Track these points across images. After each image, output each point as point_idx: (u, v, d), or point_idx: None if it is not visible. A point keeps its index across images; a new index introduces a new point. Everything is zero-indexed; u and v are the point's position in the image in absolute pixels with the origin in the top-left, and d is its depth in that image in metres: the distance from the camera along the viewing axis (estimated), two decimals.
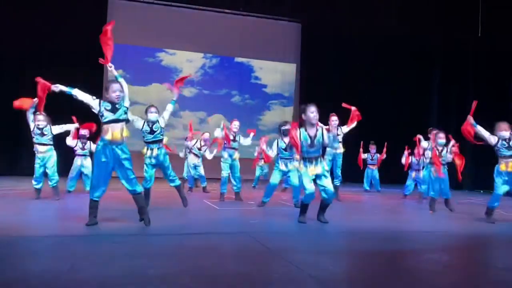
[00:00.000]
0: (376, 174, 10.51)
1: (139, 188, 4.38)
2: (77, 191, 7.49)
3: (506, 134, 5.54)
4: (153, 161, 5.68)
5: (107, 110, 4.24)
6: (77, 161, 7.60)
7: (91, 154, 7.88)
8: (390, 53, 14.13)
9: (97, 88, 12.98)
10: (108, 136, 4.20)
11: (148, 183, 5.75)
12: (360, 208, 7.02)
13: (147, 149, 5.70)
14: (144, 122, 5.68)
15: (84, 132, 7.55)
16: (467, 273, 3.14)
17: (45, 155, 6.47)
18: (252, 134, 7.29)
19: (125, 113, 4.35)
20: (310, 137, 4.84)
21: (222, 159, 7.23)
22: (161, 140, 5.76)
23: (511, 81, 11.20)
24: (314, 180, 4.90)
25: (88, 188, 7.49)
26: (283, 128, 6.43)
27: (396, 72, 14.14)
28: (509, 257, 3.85)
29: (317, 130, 4.89)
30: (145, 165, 5.72)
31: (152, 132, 5.66)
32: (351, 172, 11.36)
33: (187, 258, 3.18)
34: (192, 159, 8.90)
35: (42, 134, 6.45)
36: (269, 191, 6.49)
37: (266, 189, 6.54)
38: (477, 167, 12.01)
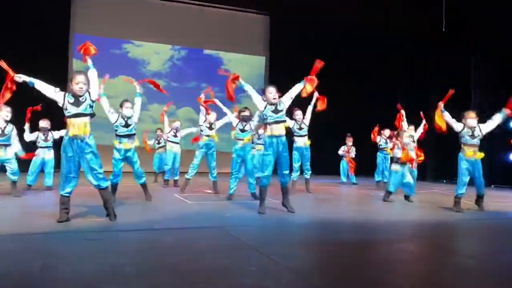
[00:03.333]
0: (350, 167, 10.66)
1: (104, 183, 4.28)
2: (37, 186, 7.26)
3: (473, 122, 5.81)
4: (122, 155, 5.63)
5: (70, 103, 4.10)
6: (39, 153, 7.29)
7: (55, 145, 7.60)
8: (358, 45, 14.35)
9: (60, 77, 12.70)
10: (71, 132, 4.09)
11: (116, 178, 5.69)
12: (332, 200, 7.15)
13: (119, 142, 5.63)
14: (119, 116, 5.61)
15: (44, 124, 7.28)
16: (435, 261, 3.27)
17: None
18: (226, 117, 7.21)
19: (91, 107, 4.21)
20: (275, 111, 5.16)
21: (198, 147, 7.33)
22: (133, 135, 5.72)
23: (471, 76, 11.59)
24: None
25: (48, 184, 7.27)
26: (242, 113, 6.63)
27: (364, 64, 14.39)
28: (472, 244, 4.04)
29: (277, 104, 5.21)
30: (113, 160, 5.66)
31: (127, 125, 5.63)
32: (328, 164, 11.54)
33: (163, 254, 3.15)
34: (172, 148, 8.83)
35: (3, 135, 6.22)
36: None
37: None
38: (440, 158, 12.45)
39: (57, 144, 7.59)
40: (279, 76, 14.42)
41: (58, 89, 4.16)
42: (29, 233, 3.70)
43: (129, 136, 5.68)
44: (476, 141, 5.83)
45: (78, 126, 4.08)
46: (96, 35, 13.34)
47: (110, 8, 13.57)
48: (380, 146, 9.60)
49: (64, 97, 4.12)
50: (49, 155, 7.35)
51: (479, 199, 6.02)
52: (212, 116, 7.40)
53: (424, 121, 8.20)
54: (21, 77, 4.09)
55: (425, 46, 13.38)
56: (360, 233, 4.29)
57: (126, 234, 3.82)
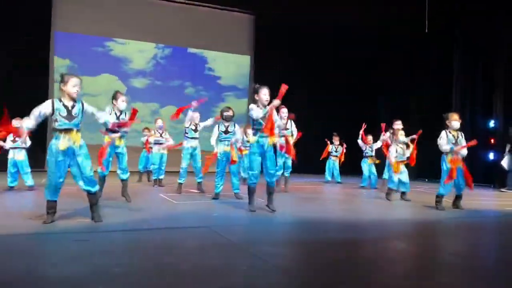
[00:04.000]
0: (337, 165, 10.76)
1: (94, 188, 4.20)
2: (18, 186, 7.15)
3: (457, 124, 5.92)
4: (112, 149, 5.60)
5: (62, 116, 3.98)
6: (10, 154, 7.10)
7: (32, 147, 7.44)
8: (343, 44, 14.47)
9: (42, 76, 12.49)
10: (62, 145, 3.96)
11: (104, 171, 5.62)
12: (317, 199, 7.20)
13: (109, 136, 5.58)
14: (112, 111, 5.58)
15: (16, 124, 7.07)
16: (421, 259, 3.33)
17: None
18: (211, 119, 7.19)
19: (80, 122, 4.14)
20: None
21: (183, 150, 7.27)
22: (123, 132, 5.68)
23: (453, 76, 11.80)
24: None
25: (30, 184, 7.11)
26: (225, 113, 6.59)
27: (349, 63, 14.51)
28: (457, 242, 4.12)
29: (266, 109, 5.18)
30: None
31: (118, 120, 5.58)
32: (313, 163, 11.59)
33: (151, 254, 3.13)
34: (158, 149, 8.76)
35: None
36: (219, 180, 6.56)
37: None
38: (421, 157, 12.64)
39: (34, 145, 7.46)
40: (264, 75, 14.44)
41: (43, 104, 3.99)
42: (14, 234, 3.62)
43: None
44: (459, 144, 5.93)
45: (69, 138, 4.00)
46: (78, 32, 13.17)
47: (92, 5, 13.37)
48: (366, 154, 9.65)
49: (53, 105, 3.97)
50: (20, 155, 7.11)
51: (457, 199, 6.12)
52: (196, 115, 7.32)
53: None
54: (24, 133, 4.04)
55: (408, 47, 13.56)
56: (346, 232, 4.34)
57: (113, 235, 3.78)
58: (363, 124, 9.39)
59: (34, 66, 12.22)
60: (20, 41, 11.69)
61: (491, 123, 10.78)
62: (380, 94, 14.96)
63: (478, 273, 2.95)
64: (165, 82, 14.52)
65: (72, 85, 4.02)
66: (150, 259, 2.98)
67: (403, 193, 7.02)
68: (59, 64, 13.06)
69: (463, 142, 5.94)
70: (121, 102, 5.60)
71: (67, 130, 4.01)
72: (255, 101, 5.25)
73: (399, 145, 7.08)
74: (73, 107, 4.05)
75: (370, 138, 9.57)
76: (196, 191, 7.41)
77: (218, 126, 6.63)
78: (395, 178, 6.88)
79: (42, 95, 11.96)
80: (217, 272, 2.69)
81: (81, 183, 4.12)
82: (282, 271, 2.77)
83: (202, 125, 7.33)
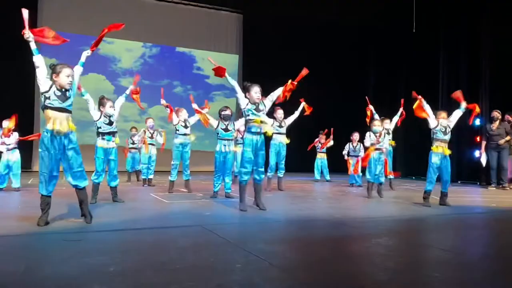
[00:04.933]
0: (326, 163, 10.84)
1: (83, 183, 4.11)
2: (5, 188, 7.11)
3: (445, 122, 6.11)
4: (105, 154, 5.59)
5: (56, 95, 3.88)
6: (3, 156, 7.08)
7: (20, 146, 7.39)
8: (331, 44, 14.58)
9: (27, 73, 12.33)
10: (52, 127, 3.86)
11: (99, 177, 5.61)
12: (307, 197, 7.26)
13: (102, 140, 5.57)
14: (101, 114, 5.55)
15: (5, 125, 7.04)
16: (412, 255, 3.39)
17: None
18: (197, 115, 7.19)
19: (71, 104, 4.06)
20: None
21: (173, 147, 7.24)
22: (115, 132, 5.69)
23: (439, 75, 11.98)
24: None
25: (16, 186, 7.05)
26: (223, 113, 6.59)
27: (338, 61, 14.62)
28: (446, 238, 4.20)
29: (258, 104, 5.33)
30: (96, 159, 5.56)
31: (110, 123, 5.60)
32: (303, 162, 11.68)
33: (145, 253, 3.14)
34: (147, 150, 8.72)
35: None
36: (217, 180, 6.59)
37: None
38: (409, 155, 12.82)
39: (22, 145, 7.39)
40: (253, 74, 14.47)
41: (48, 76, 3.95)
42: (6, 235, 3.59)
43: (113, 133, 5.63)
44: (448, 137, 6.10)
45: (60, 121, 3.88)
46: (64, 31, 13.01)
47: (78, 3, 13.28)
48: (351, 154, 9.80)
49: (51, 86, 3.90)
50: (13, 156, 7.10)
51: (443, 196, 6.23)
52: (183, 113, 7.30)
53: (401, 109, 8.50)
54: (29, 37, 3.88)
55: (396, 44, 13.71)
56: (337, 229, 4.39)
57: (106, 234, 3.77)
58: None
59: (20, 65, 12.07)
60: (4, 40, 11.53)
61: (477, 122, 10.96)
62: (368, 92, 15.11)
63: (473, 269, 3.02)
64: (154, 81, 14.46)
65: (66, 75, 3.94)
66: (144, 258, 2.98)
67: (379, 185, 7.14)
68: (45, 63, 12.88)
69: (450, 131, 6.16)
70: (109, 108, 5.57)
71: (61, 110, 3.91)
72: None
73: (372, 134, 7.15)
74: (66, 91, 3.98)
75: (356, 135, 9.72)
76: (184, 190, 7.36)
77: (218, 124, 6.61)
78: (372, 170, 6.97)
79: (28, 95, 11.86)
80: (213, 270, 2.71)
81: (69, 177, 4.05)
82: (277, 268, 2.80)
83: (191, 121, 7.30)
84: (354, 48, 14.97)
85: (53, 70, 3.97)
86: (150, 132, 8.92)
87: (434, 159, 6.07)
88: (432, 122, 6.15)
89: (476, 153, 10.96)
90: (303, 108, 8.08)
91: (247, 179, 5.28)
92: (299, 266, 2.94)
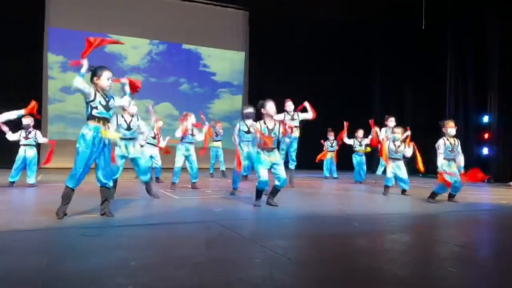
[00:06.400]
0: (334, 161, 10.79)
1: (110, 183, 4.31)
2: (18, 183, 7.16)
3: (453, 131, 6.07)
4: (123, 152, 5.72)
5: (102, 105, 4.09)
6: (21, 151, 7.17)
7: (38, 145, 7.50)
8: (337, 41, 14.56)
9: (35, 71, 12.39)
10: (104, 134, 4.09)
11: (116, 173, 5.67)
12: (317, 194, 7.28)
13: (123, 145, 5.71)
14: (120, 119, 5.71)
15: (26, 121, 7.10)
16: (427, 250, 3.41)
17: None
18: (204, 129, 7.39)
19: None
20: (268, 129, 5.24)
21: (177, 152, 7.23)
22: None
23: (447, 71, 11.93)
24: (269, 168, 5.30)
25: (31, 182, 7.11)
26: (245, 111, 6.58)
27: (343, 60, 14.60)
28: (460, 234, 4.22)
29: (274, 124, 5.31)
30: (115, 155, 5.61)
31: (129, 128, 5.73)
32: (310, 159, 11.66)
33: (164, 248, 3.17)
34: (148, 150, 8.72)
35: None
36: (236, 177, 6.59)
37: (233, 176, 6.64)
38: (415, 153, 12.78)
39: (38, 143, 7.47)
40: (259, 71, 14.49)
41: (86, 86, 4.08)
42: (26, 230, 3.63)
43: (133, 139, 5.82)
44: (453, 155, 6.09)
45: (108, 131, 4.14)
46: (71, 28, 13.05)
47: (86, 1, 13.29)
48: (354, 148, 9.81)
49: (95, 94, 4.06)
50: (31, 152, 7.18)
51: (452, 196, 6.29)
52: (191, 118, 7.23)
53: (373, 129, 8.64)
54: (84, 65, 4.01)
55: (404, 43, 13.67)
56: (350, 225, 4.40)
57: (123, 230, 3.80)
58: (346, 123, 9.47)
59: (27, 62, 12.15)
60: (13, 37, 11.59)
61: (485, 118, 10.93)
62: (375, 89, 15.12)
63: (488, 264, 3.05)
64: (160, 78, 14.48)
65: (106, 78, 4.10)
66: (163, 252, 3.02)
67: (403, 190, 7.15)
68: (52, 60, 12.96)
69: (459, 149, 6.11)
70: (133, 107, 5.70)
71: (105, 120, 4.13)
72: (261, 117, 5.37)
73: (393, 142, 7.16)
74: (108, 99, 4.18)
75: (361, 132, 9.74)
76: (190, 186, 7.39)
77: (239, 126, 6.55)
78: (390, 174, 6.98)
79: (36, 92, 11.89)
80: (232, 264, 2.74)
81: (100, 175, 4.18)
82: (296, 263, 2.83)
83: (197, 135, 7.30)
84: (360, 46, 14.94)
85: (94, 73, 4.11)
86: (154, 133, 8.83)
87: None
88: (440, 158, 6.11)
89: (485, 150, 10.95)
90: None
91: (265, 187, 5.40)
92: (317, 262, 2.96)
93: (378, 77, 15.08)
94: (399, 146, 7.11)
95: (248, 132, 6.39)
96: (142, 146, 6.33)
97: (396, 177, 7.09)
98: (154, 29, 14.14)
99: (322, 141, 10.85)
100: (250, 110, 6.54)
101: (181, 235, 3.63)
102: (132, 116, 5.82)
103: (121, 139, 5.55)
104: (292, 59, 14.38)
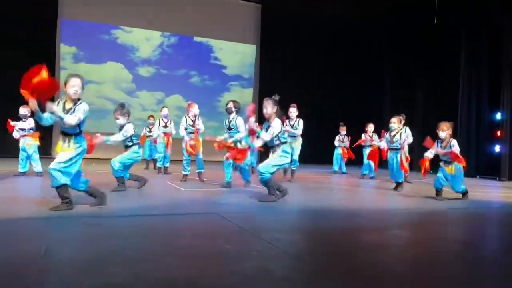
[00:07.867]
0: (343, 156, 10.68)
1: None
2: (28, 173, 7.29)
3: (443, 134, 5.88)
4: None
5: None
6: (20, 142, 7.28)
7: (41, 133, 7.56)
8: (350, 34, 14.42)
9: (48, 63, 12.51)
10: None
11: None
12: (323, 188, 7.24)
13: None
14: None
15: (22, 111, 7.17)
16: (429, 247, 3.36)
17: None
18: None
19: None
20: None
21: (183, 142, 7.27)
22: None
23: (460, 68, 11.73)
24: None
25: (37, 170, 7.19)
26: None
27: (355, 54, 14.47)
28: (462, 231, 4.16)
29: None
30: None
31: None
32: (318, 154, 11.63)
33: (163, 238, 3.18)
34: (161, 139, 8.80)
35: None
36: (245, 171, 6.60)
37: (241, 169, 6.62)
38: (416, 150, 12.63)
39: (41, 130, 7.52)
40: (270, 65, 14.44)
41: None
42: (27, 218, 3.68)
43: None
44: (446, 157, 5.93)
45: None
46: (84, 20, 13.15)
47: None
48: (366, 144, 9.72)
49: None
50: (29, 142, 7.24)
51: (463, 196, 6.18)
52: (195, 108, 7.34)
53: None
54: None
55: (413, 39, 13.47)
56: (353, 220, 4.37)
57: (123, 220, 3.82)
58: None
59: (40, 53, 12.24)
60: (26, 28, 11.71)
61: (498, 115, 10.74)
62: (387, 85, 14.94)
63: (491, 262, 2.99)
64: (171, 71, 14.53)
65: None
66: (161, 243, 3.03)
67: (396, 186, 7.12)
68: (65, 51, 13.08)
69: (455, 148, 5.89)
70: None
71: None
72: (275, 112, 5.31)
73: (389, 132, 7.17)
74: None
75: (371, 126, 9.65)
76: (197, 179, 7.41)
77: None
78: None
79: None
80: (229, 256, 2.74)
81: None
82: (292, 257, 2.81)
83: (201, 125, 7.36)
84: (374, 40, 14.76)
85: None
86: (164, 121, 8.94)
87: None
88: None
89: (497, 148, 10.77)
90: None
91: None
92: (315, 255, 2.94)
93: (391, 72, 14.89)
94: (394, 136, 7.01)
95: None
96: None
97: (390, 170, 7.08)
98: (166, 22, 14.18)
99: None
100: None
101: (181, 226, 3.64)
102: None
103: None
104: (303, 53, 14.30)
